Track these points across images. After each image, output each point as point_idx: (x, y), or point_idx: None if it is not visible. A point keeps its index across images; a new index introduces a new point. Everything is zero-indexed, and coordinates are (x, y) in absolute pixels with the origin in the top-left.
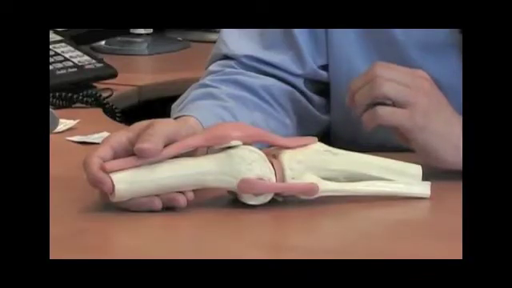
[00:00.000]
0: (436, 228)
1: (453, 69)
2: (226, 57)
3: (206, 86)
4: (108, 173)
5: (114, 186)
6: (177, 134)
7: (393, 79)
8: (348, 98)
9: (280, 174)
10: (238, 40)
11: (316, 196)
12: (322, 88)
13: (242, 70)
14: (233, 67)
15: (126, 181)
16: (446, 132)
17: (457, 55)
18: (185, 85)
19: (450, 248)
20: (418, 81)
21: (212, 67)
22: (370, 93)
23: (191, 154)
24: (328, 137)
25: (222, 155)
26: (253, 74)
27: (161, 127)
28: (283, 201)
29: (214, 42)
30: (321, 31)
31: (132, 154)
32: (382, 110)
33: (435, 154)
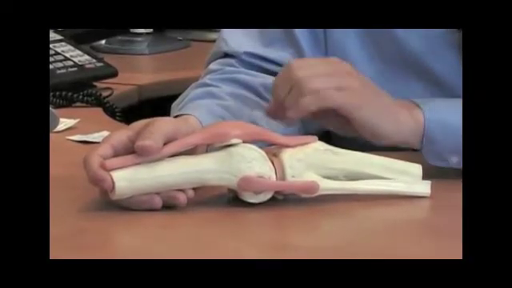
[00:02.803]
0: (436, 227)
1: (452, 63)
2: (226, 55)
3: (206, 85)
4: (108, 171)
5: (114, 183)
6: (177, 132)
7: (314, 74)
8: (271, 108)
9: (280, 173)
10: (238, 38)
11: (316, 194)
12: None
13: (241, 69)
14: (233, 65)
15: (126, 178)
16: (381, 106)
17: (456, 49)
18: (185, 84)
19: (450, 248)
20: (339, 67)
21: (212, 66)
22: (297, 99)
23: (191, 152)
24: (329, 135)
25: (222, 153)
26: (253, 72)
27: (161, 125)
28: (283, 199)
29: (215, 41)
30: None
31: (132, 152)
32: (325, 92)
33: (377, 130)
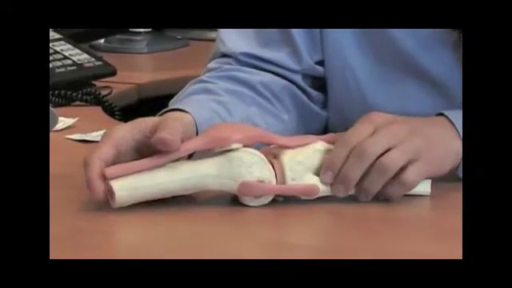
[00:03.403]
0: (436, 227)
1: (448, 63)
2: (224, 55)
3: (203, 81)
4: (108, 179)
5: (114, 193)
6: (186, 133)
7: (387, 144)
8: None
9: (280, 176)
10: (234, 38)
11: (316, 197)
12: (321, 84)
13: (239, 67)
14: (230, 65)
15: (126, 188)
16: (437, 151)
17: (451, 48)
18: (184, 83)
19: (450, 248)
20: (393, 130)
21: (210, 64)
22: (382, 176)
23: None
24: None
25: (221, 158)
26: (250, 69)
27: (176, 124)
28: (284, 200)
29: (213, 40)
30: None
31: (135, 151)
32: (409, 174)
33: (438, 174)
